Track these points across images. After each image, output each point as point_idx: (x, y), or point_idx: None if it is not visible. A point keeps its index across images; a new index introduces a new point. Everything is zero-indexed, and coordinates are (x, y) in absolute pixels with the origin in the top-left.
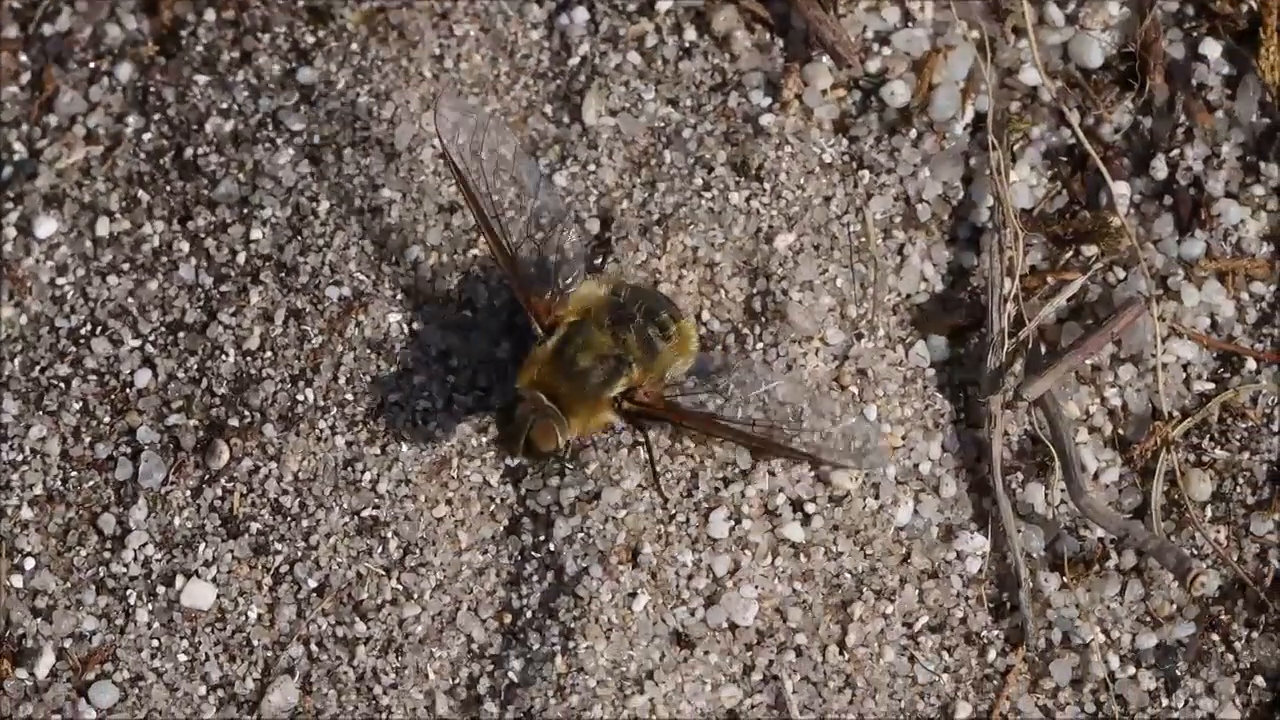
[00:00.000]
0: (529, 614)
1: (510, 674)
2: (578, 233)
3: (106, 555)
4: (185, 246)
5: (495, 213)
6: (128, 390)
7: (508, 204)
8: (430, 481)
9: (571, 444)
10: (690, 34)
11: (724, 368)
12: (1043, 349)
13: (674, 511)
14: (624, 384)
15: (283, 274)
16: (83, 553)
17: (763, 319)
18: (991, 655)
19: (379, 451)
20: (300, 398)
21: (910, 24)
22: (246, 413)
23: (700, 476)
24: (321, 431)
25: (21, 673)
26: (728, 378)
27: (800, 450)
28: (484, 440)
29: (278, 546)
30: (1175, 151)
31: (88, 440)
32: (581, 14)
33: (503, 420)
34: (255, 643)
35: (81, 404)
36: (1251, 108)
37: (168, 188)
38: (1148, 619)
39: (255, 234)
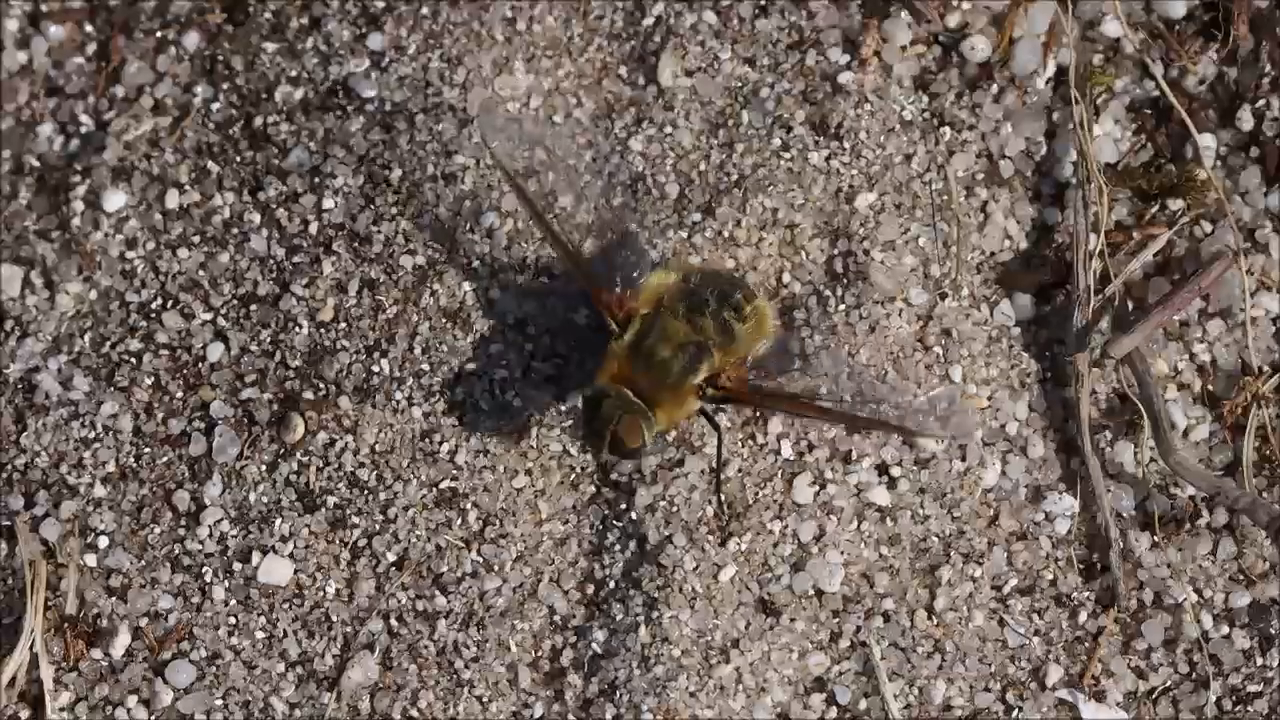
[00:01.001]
0: (612, 584)
1: (594, 645)
2: (639, 223)
3: (181, 532)
4: (256, 217)
5: (554, 212)
6: (200, 365)
7: (565, 202)
8: (509, 451)
9: (659, 438)
10: None
11: (804, 346)
12: (1130, 305)
13: (757, 479)
14: (706, 370)
15: (356, 243)
16: (157, 530)
17: (844, 280)
18: (1082, 617)
19: (456, 422)
20: (375, 369)
21: None
22: (321, 385)
23: (784, 441)
24: (398, 403)
25: (97, 653)
26: (809, 355)
27: (889, 422)
28: (563, 409)
29: (355, 520)
30: (1261, 102)
31: (160, 416)
32: None
33: (587, 418)
34: (334, 618)
35: (154, 379)
36: None
37: (237, 158)
38: (1241, 577)
39: (327, 203)
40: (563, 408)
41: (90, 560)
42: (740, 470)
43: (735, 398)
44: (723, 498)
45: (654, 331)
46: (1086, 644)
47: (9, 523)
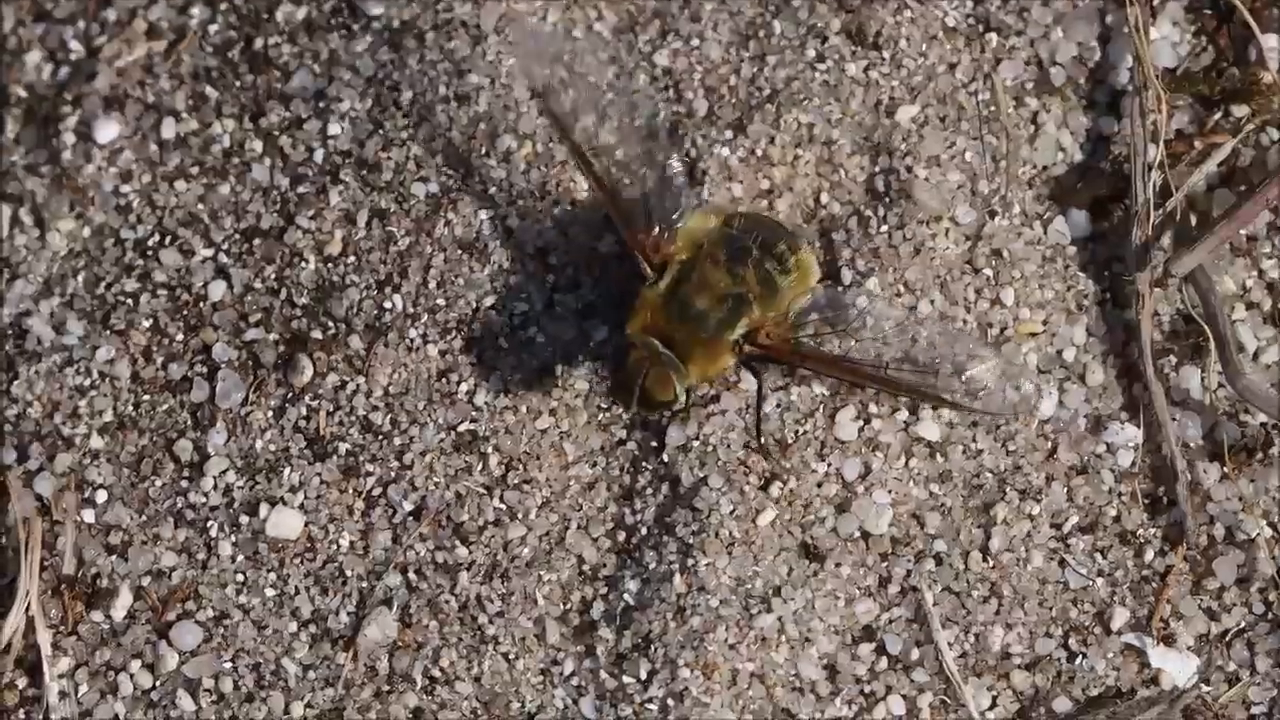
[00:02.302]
0: (644, 530)
1: (626, 596)
2: (681, 160)
3: (184, 484)
4: (258, 146)
5: (591, 145)
6: (201, 304)
7: (603, 134)
8: (532, 391)
9: (691, 393)
10: None
11: (851, 303)
12: (1192, 220)
13: (796, 416)
14: (745, 325)
15: (364, 171)
16: (158, 483)
17: (886, 199)
18: (1149, 555)
19: (475, 360)
20: (387, 305)
21: None
22: (330, 324)
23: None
24: (412, 341)
25: (97, 615)
26: (856, 313)
27: (938, 394)
28: (589, 344)
29: (369, 468)
30: None
31: (160, 360)
32: None
33: (614, 370)
34: (348, 573)
35: (151, 321)
36: None
37: (237, 83)
38: None
39: (333, 129)
40: (590, 343)
41: (88, 516)
42: (779, 405)
43: (773, 356)
44: (766, 441)
45: (692, 280)
46: (1154, 584)
47: (1, 478)
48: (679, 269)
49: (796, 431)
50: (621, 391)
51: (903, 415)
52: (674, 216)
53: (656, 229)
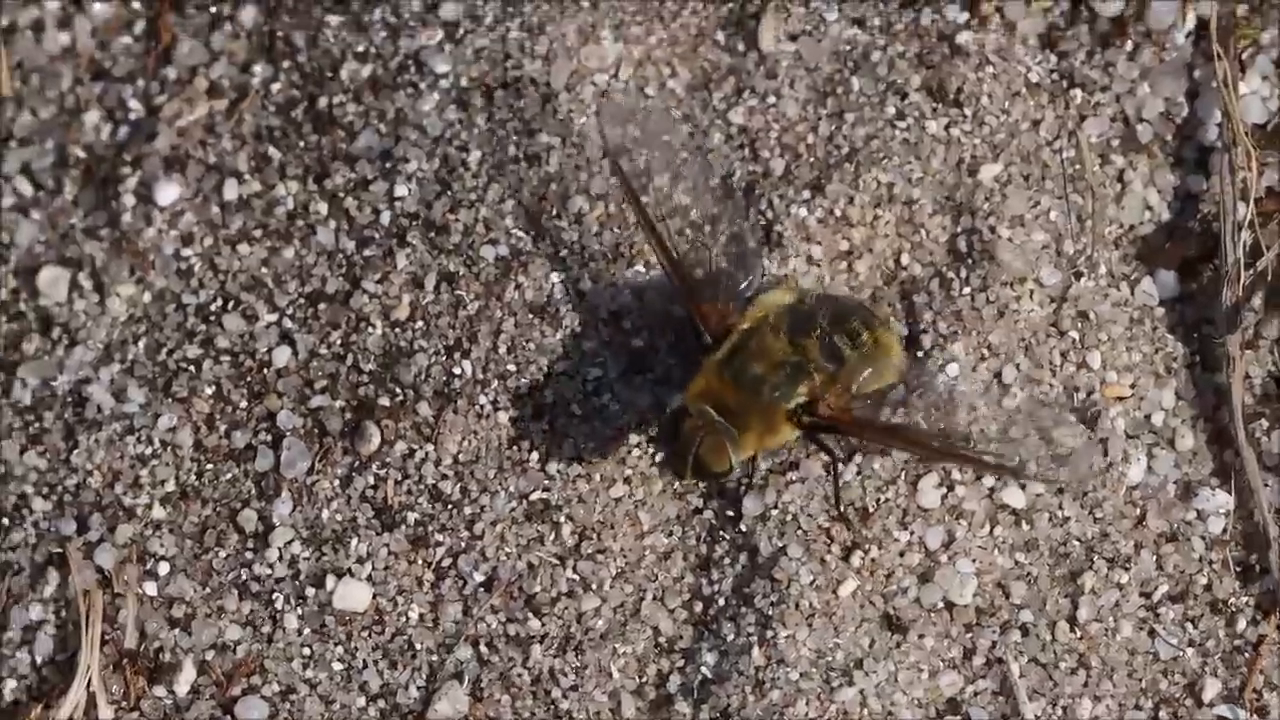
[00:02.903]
0: (721, 601)
1: (703, 669)
2: (755, 235)
3: (249, 555)
4: (323, 208)
5: (661, 214)
6: (265, 371)
7: (675, 199)
8: (606, 458)
9: (747, 463)
10: None
11: (923, 378)
12: None
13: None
14: (804, 394)
15: (432, 234)
16: (222, 554)
17: (969, 260)
18: (1241, 625)
19: (547, 427)
20: (457, 371)
21: None
22: (398, 390)
23: None
24: (482, 408)
25: (160, 690)
26: (919, 387)
27: (1003, 465)
28: (665, 411)
29: (438, 538)
30: None
31: (223, 428)
32: None
33: (668, 438)
34: (418, 646)
35: (215, 388)
36: None
37: (301, 143)
38: None
39: (400, 190)
40: (665, 410)
41: (150, 589)
42: (859, 473)
43: (834, 426)
44: (845, 510)
45: (749, 347)
46: (1246, 654)
47: (60, 550)
48: (739, 337)
49: (878, 499)
50: (676, 460)
51: (987, 482)
52: (742, 289)
53: (722, 300)
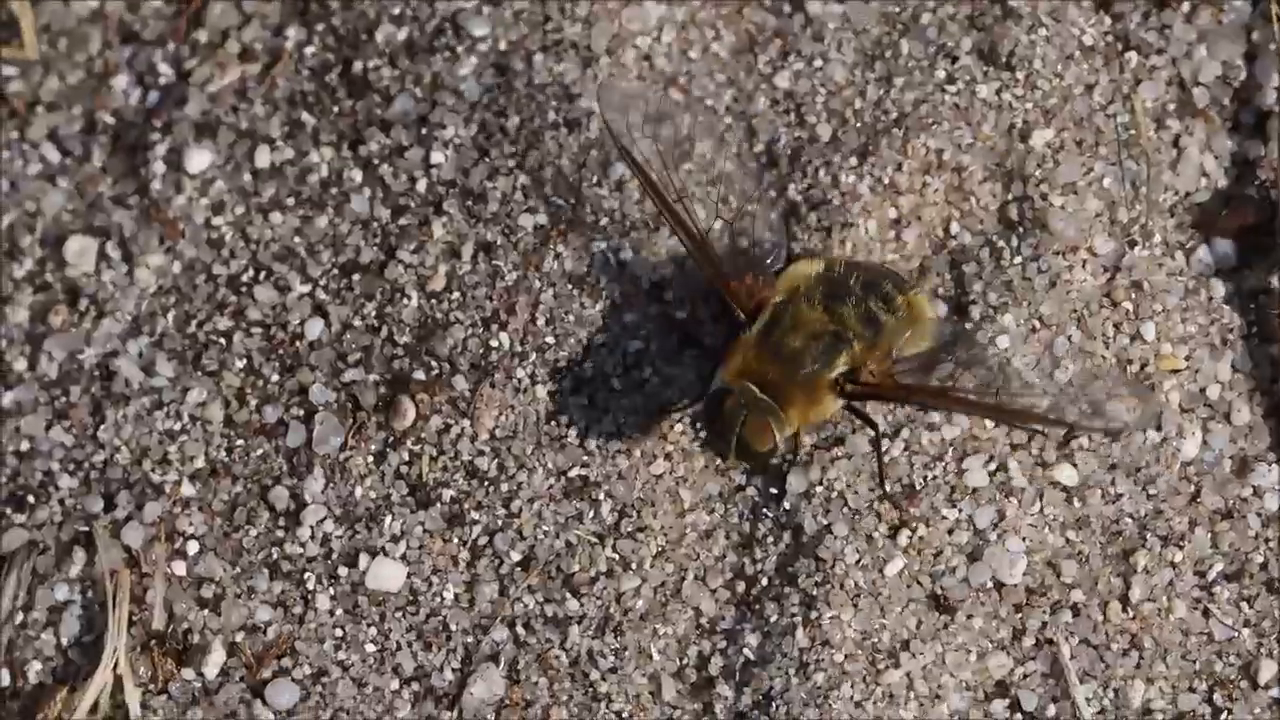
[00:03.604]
0: (764, 581)
1: (746, 651)
2: (776, 208)
3: (280, 534)
4: (357, 175)
5: (679, 195)
6: (297, 343)
7: (694, 183)
8: (647, 434)
9: (791, 440)
10: None
11: (963, 337)
12: None
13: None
14: (845, 363)
15: (469, 202)
16: (253, 532)
17: (1020, 229)
18: None
19: (586, 402)
20: (494, 344)
21: None
22: (433, 363)
23: (954, 415)
24: (520, 381)
25: (189, 673)
26: (967, 348)
27: (1049, 416)
28: (707, 385)
29: (474, 516)
30: None
31: (254, 403)
32: None
33: (709, 419)
34: (453, 627)
35: (245, 362)
36: None
37: (335, 109)
38: None
39: (436, 157)
40: (707, 384)
41: (179, 568)
42: (906, 449)
43: (879, 393)
44: (891, 488)
45: (785, 321)
46: None
47: (87, 528)
48: (773, 311)
49: (925, 476)
50: (718, 442)
51: (1038, 456)
52: (770, 262)
53: (751, 276)
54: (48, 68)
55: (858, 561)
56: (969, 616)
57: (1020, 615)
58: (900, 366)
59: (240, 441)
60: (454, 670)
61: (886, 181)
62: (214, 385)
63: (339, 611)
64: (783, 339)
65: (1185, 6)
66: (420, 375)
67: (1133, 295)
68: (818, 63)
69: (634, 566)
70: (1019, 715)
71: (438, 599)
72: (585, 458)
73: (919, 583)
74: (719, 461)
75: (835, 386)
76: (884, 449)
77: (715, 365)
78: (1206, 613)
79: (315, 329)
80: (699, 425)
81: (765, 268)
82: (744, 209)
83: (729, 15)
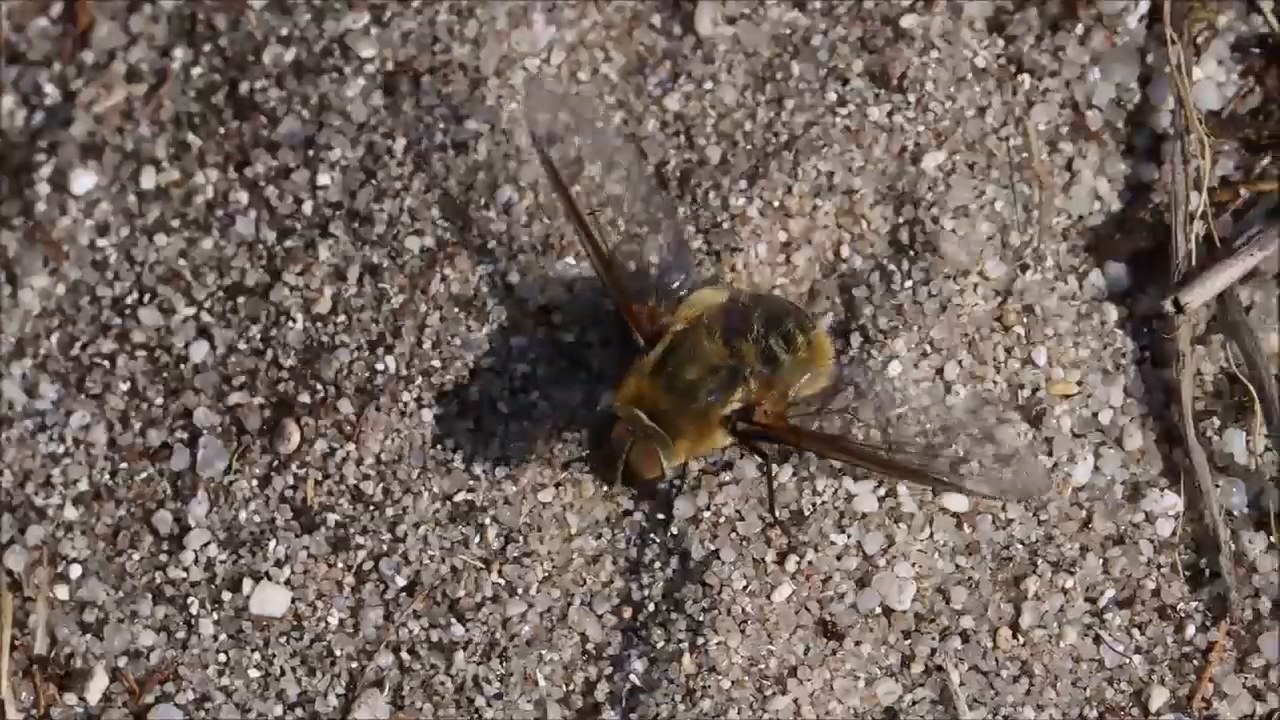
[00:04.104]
0: (651, 607)
1: (632, 677)
2: (686, 232)
3: (163, 559)
4: (243, 197)
5: (591, 209)
6: (182, 366)
7: (605, 200)
8: (533, 459)
9: (678, 470)
10: None
11: (857, 383)
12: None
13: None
14: (739, 399)
15: (355, 224)
16: (136, 557)
17: (911, 252)
18: (1190, 631)
19: (472, 426)
20: (380, 367)
21: None
22: (319, 387)
23: None
24: (405, 405)
25: (70, 698)
26: (861, 393)
27: (941, 478)
28: (595, 410)
29: (359, 540)
30: None
31: (138, 426)
32: None
33: (597, 444)
34: (338, 652)
35: (129, 384)
36: None
37: (221, 130)
38: None
39: (323, 179)
40: (596, 409)
41: (61, 592)
42: (795, 474)
43: (770, 434)
44: (780, 515)
45: (683, 350)
46: (1195, 662)
47: None
48: (672, 339)
49: (814, 502)
50: (605, 467)
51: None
52: (675, 288)
53: (654, 300)
54: None
55: (745, 587)
56: (857, 643)
57: (909, 641)
58: (794, 410)
59: (124, 465)
60: (338, 696)
61: (776, 205)
62: (98, 408)
63: (223, 636)
64: (679, 369)
65: (1079, 29)
66: (305, 399)
67: (1024, 320)
68: (708, 85)
69: (520, 592)
70: None
71: (322, 624)
72: (471, 482)
73: (807, 609)
74: (605, 486)
75: (727, 422)
76: (773, 473)
77: (604, 390)
78: (1098, 639)
79: (200, 352)
80: (586, 449)
81: (670, 293)
82: (654, 230)
83: (618, 37)
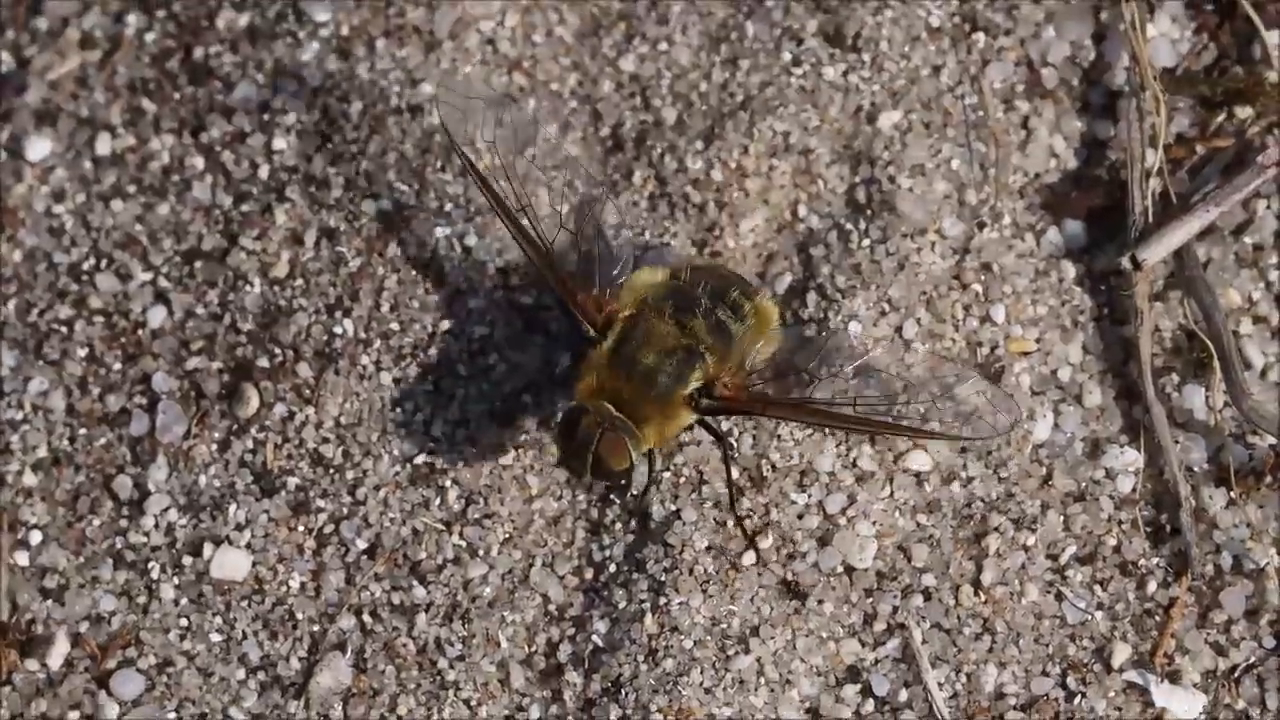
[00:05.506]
0: (613, 567)
1: (594, 638)
2: (619, 210)
3: (123, 524)
4: (199, 162)
5: (522, 203)
6: (139, 331)
7: (534, 190)
8: (492, 420)
9: (649, 457)
10: None
11: (813, 341)
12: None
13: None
14: (699, 377)
15: (312, 188)
16: (96, 522)
17: (868, 211)
18: (1151, 587)
19: (432, 388)
20: (338, 330)
21: None
22: (277, 351)
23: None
24: (364, 368)
25: (32, 664)
26: (818, 353)
27: (912, 427)
28: (554, 372)
29: (320, 504)
30: None
31: (96, 392)
32: None
33: (564, 439)
34: (299, 616)
35: (88, 350)
36: None
37: (176, 95)
38: None
39: (278, 144)
40: (554, 370)
41: (21, 558)
42: (755, 428)
43: (734, 406)
44: (741, 516)
45: (636, 336)
46: (1157, 618)
47: None
48: (623, 326)
49: (774, 461)
50: (574, 461)
51: (888, 441)
52: (615, 273)
53: (598, 287)
54: None
55: (706, 547)
56: (820, 602)
57: (871, 600)
58: (755, 378)
59: (83, 430)
60: (300, 659)
61: (733, 165)
62: (56, 374)
63: (184, 601)
64: (635, 355)
65: None
66: (264, 363)
67: (982, 277)
68: (663, 46)
69: (481, 554)
70: (870, 701)
71: (283, 587)
72: (431, 444)
73: (769, 568)
74: (575, 479)
75: (690, 401)
76: (732, 471)
77: (561, 352)
78: (1059, 596)
79: (158, 317)
80: (552, 442)
81: (611, 278)
82: (588, 216)
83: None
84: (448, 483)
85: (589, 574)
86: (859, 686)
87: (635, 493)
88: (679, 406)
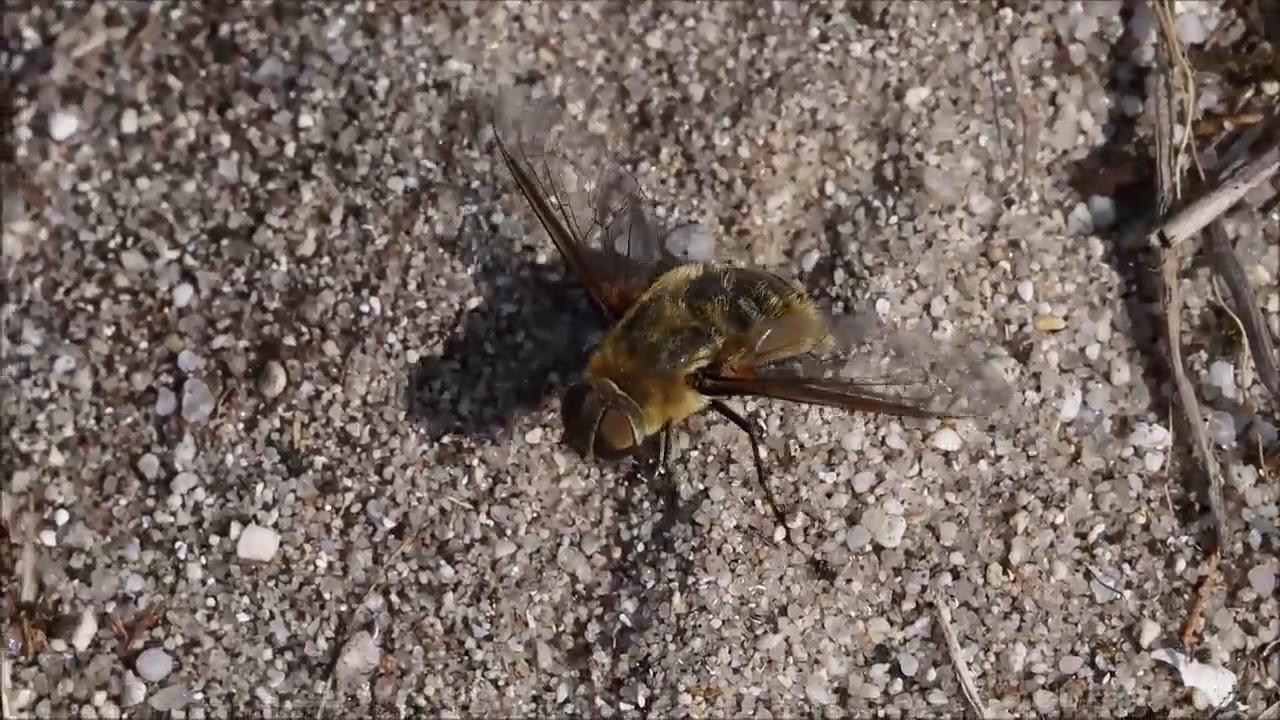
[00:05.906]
0: (641, 546)
1: (622, 617)
2: (651, 214)
3: (150, 503)
4: (225, 140)
5: (561, 202)
6: (166, 310)
7: (572, 189)
8: (520, 399)
9: (655, 435)
10: None
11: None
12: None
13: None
14: (705, 357)
15: (338, 166)
16: (123, 502)
17: (896, 188)
18: (1180, 566)
19: (459, 366)
20: (365, 309)
21: None
22: (304, 329)
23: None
24: (391, 347)
25: (59, 644)
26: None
27: (916, 408)
28: (581, 350)
29: (347, 483)
30: None
31: (123, 371)
32: None
33: (567, 416)
34: (326, 595)
35: (114, 329)
36: None
37: (202, 72)
38: None
39: (305, 121)
40: (582, 348)
41: (48, 538)
42: (782, 409)
43: (739, 388)
44: (771, 493)
45: (647, 316)
46: (1186, 597)
47: None
48: (638, 308)
49: (803, 440)
50: (576, 439)
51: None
52: (642, 269)
53: (625, 280)
54: None
55: (735, 526)
56: (848, 581)
57: (900, 579)
58: (765, 364)
59: (109, 410)
60: (328, 639)
61: (760, 142)
62: (82, 353)
63: (211, 581)
64: (642, 334)
65: None
66: (290, 341)
67: (1010, 254)
68: (690, 22)
69: (509, 533)
70: (899, 680)
71: (310, 567)
72: (458, 423)
73: (798, 548)
74: (579, 459)
75: (694, 381)
76: (759, 452)
77: (589, 330)
78: (1088, 575)
79: (184, 295)
80: (560, 419)
81: (641, 273)
82: (621, 215)
83: None
84: (475, 461)
85: (617, 553)
86: (887, 666)
87: (662, 471)
88: (681, 385)
